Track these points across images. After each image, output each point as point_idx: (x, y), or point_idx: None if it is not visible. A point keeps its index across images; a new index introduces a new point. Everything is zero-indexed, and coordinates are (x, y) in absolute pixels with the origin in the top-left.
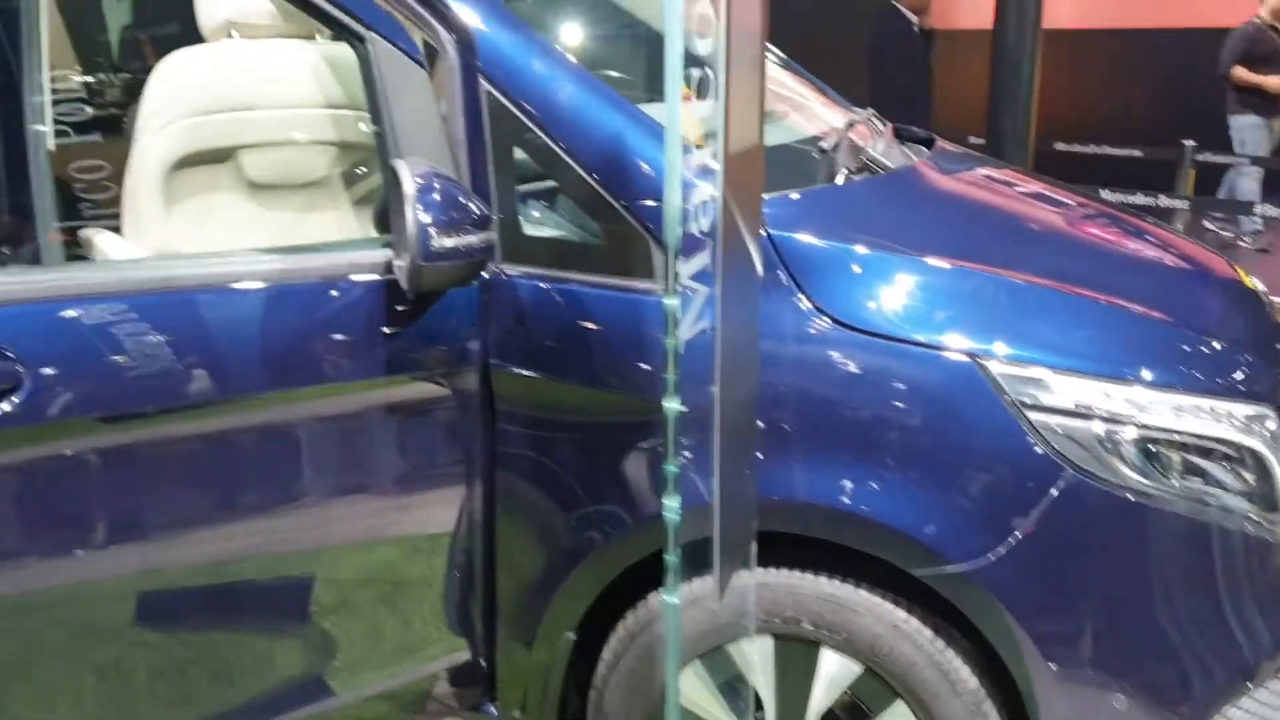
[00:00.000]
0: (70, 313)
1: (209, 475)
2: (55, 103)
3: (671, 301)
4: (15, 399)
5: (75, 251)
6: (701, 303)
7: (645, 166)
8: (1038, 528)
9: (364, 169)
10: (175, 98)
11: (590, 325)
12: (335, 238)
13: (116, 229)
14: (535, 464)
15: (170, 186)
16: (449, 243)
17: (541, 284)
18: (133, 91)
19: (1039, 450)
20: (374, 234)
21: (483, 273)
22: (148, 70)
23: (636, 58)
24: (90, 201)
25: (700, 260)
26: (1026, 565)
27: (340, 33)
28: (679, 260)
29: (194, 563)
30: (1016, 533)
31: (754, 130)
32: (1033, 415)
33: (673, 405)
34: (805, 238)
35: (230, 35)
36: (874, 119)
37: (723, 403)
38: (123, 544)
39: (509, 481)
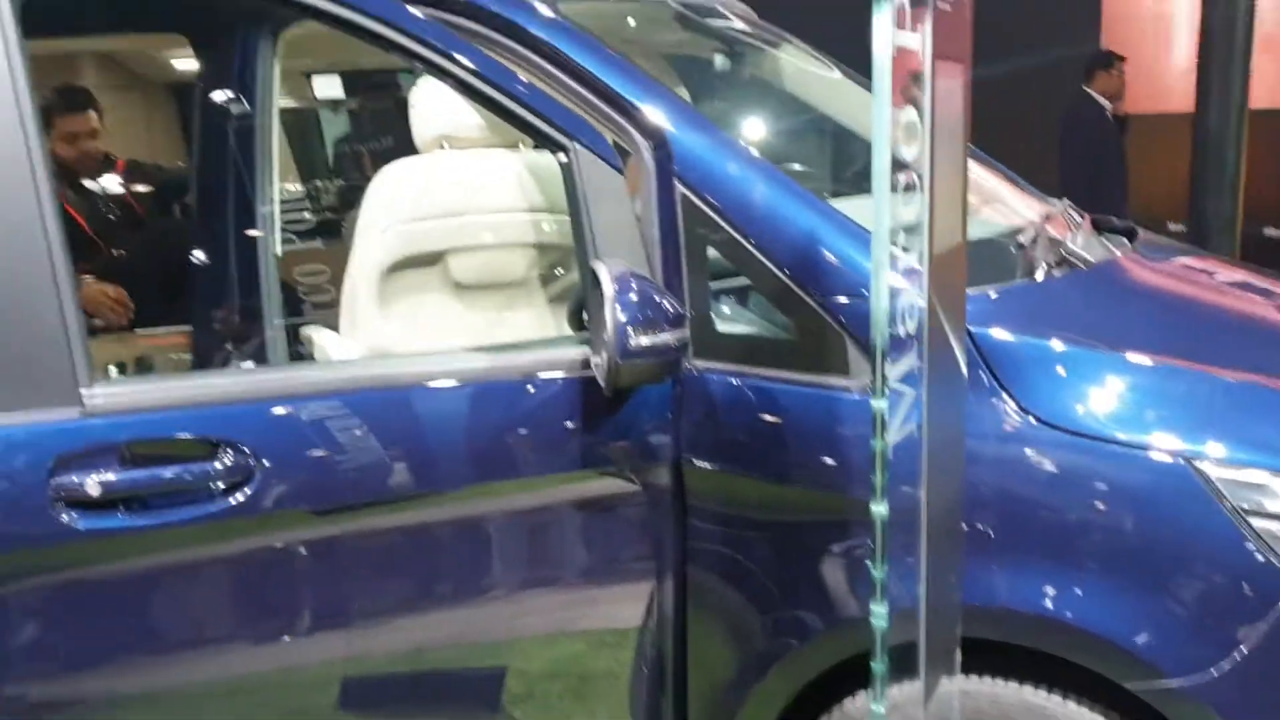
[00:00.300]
0: (295, 409)
1: (411, 566)
2: (281, 211)
3: (880, 403)
4: (247, 490)
5: (295, 348)
6: (909, 404)
7: (838, 262)
8: (1266, 642)
9: (559, 269)
10: (393, 205)
11: (783, 422)
12: (532, 335)
13: (334, 327)
14: (728, 561)
15: (385, 287)
16: (645, 341)
17: (734, 380)
18: (346, 199)
19: (1262, 558)
20: (568, 331)
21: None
22: (361, 179)
23: (819, 150)
24: (311, 302)
25: (907, 362)
26: (1254, 682)
27: (543, 142)
28: (886, 361)
29: (393, 650)
30: (1242, 647)
31: (957, 230)
32: (1255, 522)
33: (881, 509)
34: (1006, 335)
35: (442, 147)
36: (1070, 210)
37: (929, 505)
38: (330, 631)
39: (701, 578)
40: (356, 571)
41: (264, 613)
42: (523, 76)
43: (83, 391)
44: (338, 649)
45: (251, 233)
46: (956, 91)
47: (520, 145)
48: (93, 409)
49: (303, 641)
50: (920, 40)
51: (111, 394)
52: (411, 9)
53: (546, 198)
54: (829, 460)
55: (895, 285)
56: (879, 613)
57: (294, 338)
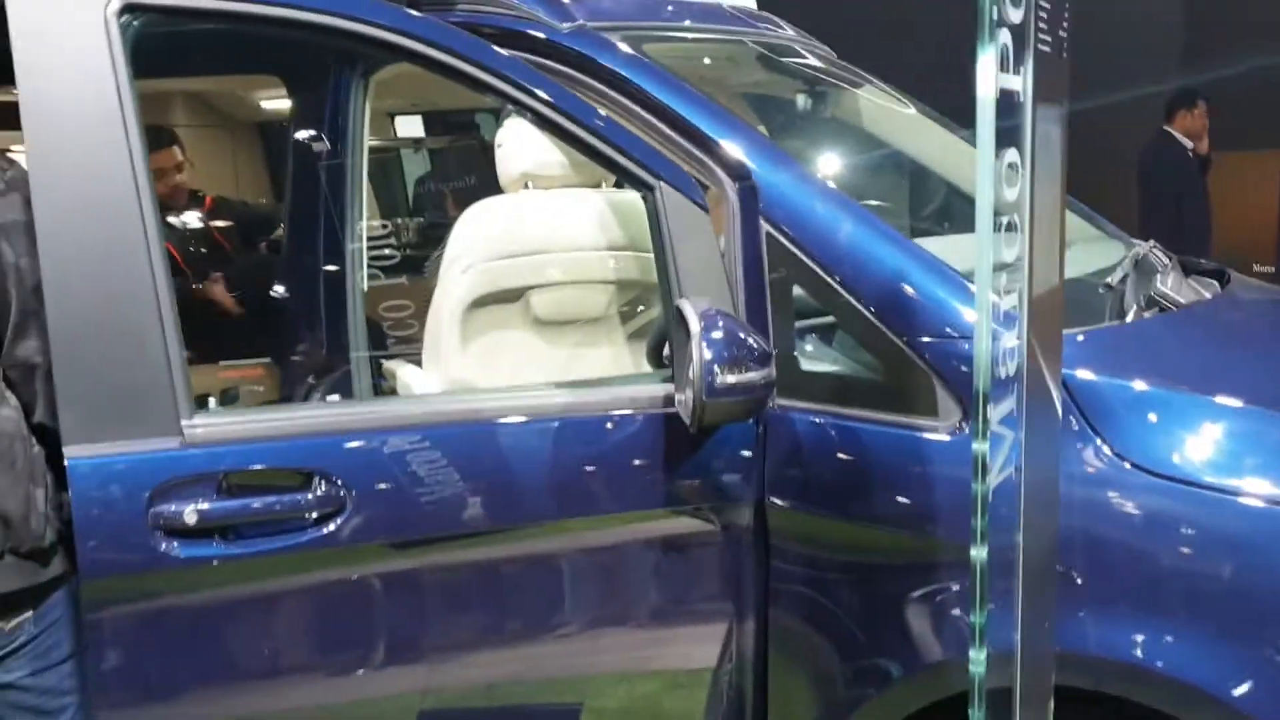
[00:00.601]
0: (386, 442)
1: (491, 600)
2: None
3: (981, 446)
4: (339, 520)
5: (378, 381)
6: (1008, 447)
7: (926, 302)
8: None
9: (638, 306)
10: (477, 243)
11: (869, 462)
12: (610, 372)
13: (416, 361)
14: (810, 603)
15: (467, 323)
16: (731, 379)
17: (819, 419)
18: (427, 236)
19: None
20: (647, 368)
21: None
22: (442, 217)
23: (899, 189)
24: (395, 337)
25: (1006, 404)
26: None
27: (631, 182)
28: (988, 405)
29: (469, 685)
30: None
31: (1055, 272)
32: None
33: (980, 553)
34: (1097, 378)
35: (526, 186)
36: (1157, 250)
37: (1025, 549)
38: (409, 664)
39: (783, 619)
40: (437, 604)
41: (347, 643)
42: (609, 116)
43: (183, 423)
44: (416, 682)
45: (339, 268)
46: (1055, 132)
47: (602, 184)
48: (192, 439)
49: (383, 673)
50: (1021, 81)
51: (210, 425)
52: (499, 50)
53: (626, 236)
54: (915, 502)
55: (995, 327)
56: (977, 659)
57: (377, 372)
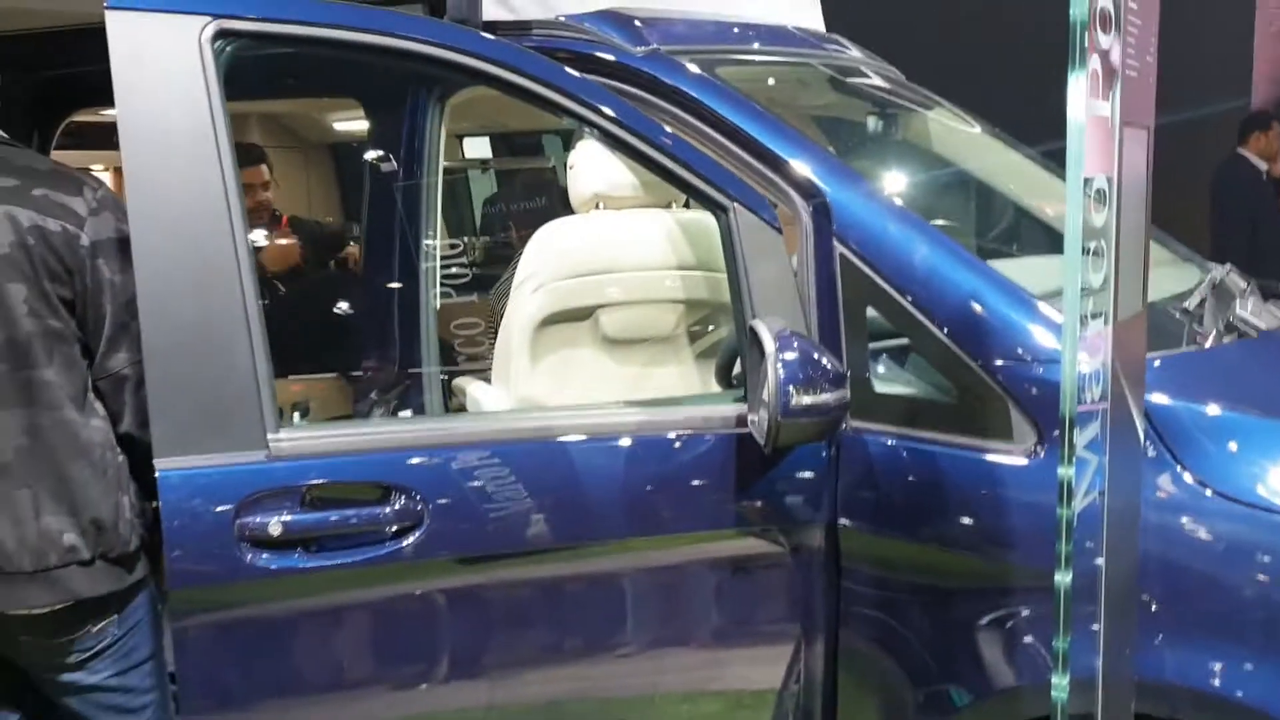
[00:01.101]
0: (464, 458)
1: (561, 616)
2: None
3: (1067, 470)
4: (416, 535)
5: (449, 399)
6: (1092, 472)
7: (1001, 325)
8: None
9: (706, 326)
10: (548, 263)
11: (942, 485)
12: (678, 391)
13: (486, 378)
14: (882, 625)
15: (536, 341)
16: (806, 400)
17: (892, 442)
18: (495, 256)
19: None
20: (714, 388)
21: None
22: (506, 237)
23: (970, 212)
24: (464, 354)
25: (1091, 429)
26: None
27: (705, 203)
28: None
29: (532, 701)
30: None
31: (1139, 298)
32: None
33: (1065, 578)
34: (1175, 404)
35: (598, 206)
36: (1234, 274)
37: (1107, 575)
38: (476, 678)
39: (853, 642)
40: (507, 620)
41: (418, 656)
42: (683, 138)
43: (269, 436)
44: (482, 697)
45: (414, 286)
46: (1141, 157)
47: (672, 205)
48: (278, 453)
49: (451, 688)
50: (1110, 106)
51: (295, 439)
52: (575, 73)
53: (695, 256)
54: (989, 526)
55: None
56: (1060, 684)
57: (448, 388)
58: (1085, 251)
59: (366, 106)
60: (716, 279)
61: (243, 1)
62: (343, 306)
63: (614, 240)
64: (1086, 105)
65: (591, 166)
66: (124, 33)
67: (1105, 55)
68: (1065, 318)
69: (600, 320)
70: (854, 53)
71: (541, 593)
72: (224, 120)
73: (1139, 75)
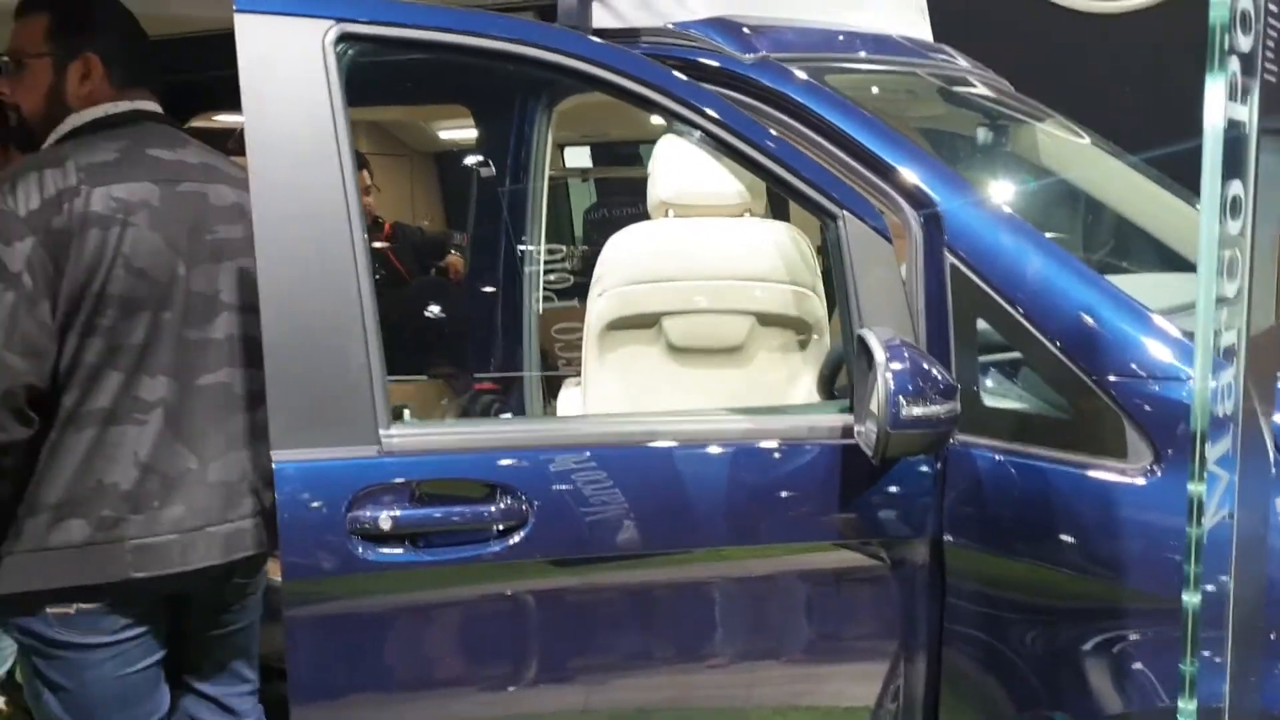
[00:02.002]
0: (568, 459)
1: (660, 622)
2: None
3: (1197, 488)
4: (521, 534)
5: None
6: (1221, 490)
7: (1117, 340)
8: None
9: (774, 337)
10: (614, 268)
11: (1053, 503)
12: (743, 403)
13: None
14: (986, 646)
15: (603, 345)
16: (917, 411)
17: (1000, 457)
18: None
19: None
20: (779, 401)
21: None
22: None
23: (1079, 226)
24: (563, 358)
25: (1221, 445)
26: None
27: (814, 210)
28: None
29: (628, 706)
30: None
31: (1272, 310)
32: None
33: (1193, 599)
34: None
35: (667, 214)
36: None
37: (1235, 599)
38: (574, 680)
39: (956, 661)
40: (605, 624)
41: (516, 656)
42: (794, 145)
43: (381, 432)
44: (576, 700)
45: (518, 291)
46: (1278, 165)
47: (745, 215)
48: (389, 449)
49: (545, 689)
50: (1247, 112)
51: (406, 435)
52: (682, 77)
53: (763, 267)
54: (1101, 546)
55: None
56: (1187, 709)
57: (548, 392)
58: (1219, 261)
59: (476, 113)
60: (784, 290)
61: (364, 6)
62: (445, 311)
63: (679, 248)
64: (1225, 109)
65: (662, 172)
66: (252, 35)
67: (1245, 58)
68: (1198, 329)
69: (665, 327)
70: (962, 63)
71: (639, 599)
72: (345, 123)
73: (1278, 79)
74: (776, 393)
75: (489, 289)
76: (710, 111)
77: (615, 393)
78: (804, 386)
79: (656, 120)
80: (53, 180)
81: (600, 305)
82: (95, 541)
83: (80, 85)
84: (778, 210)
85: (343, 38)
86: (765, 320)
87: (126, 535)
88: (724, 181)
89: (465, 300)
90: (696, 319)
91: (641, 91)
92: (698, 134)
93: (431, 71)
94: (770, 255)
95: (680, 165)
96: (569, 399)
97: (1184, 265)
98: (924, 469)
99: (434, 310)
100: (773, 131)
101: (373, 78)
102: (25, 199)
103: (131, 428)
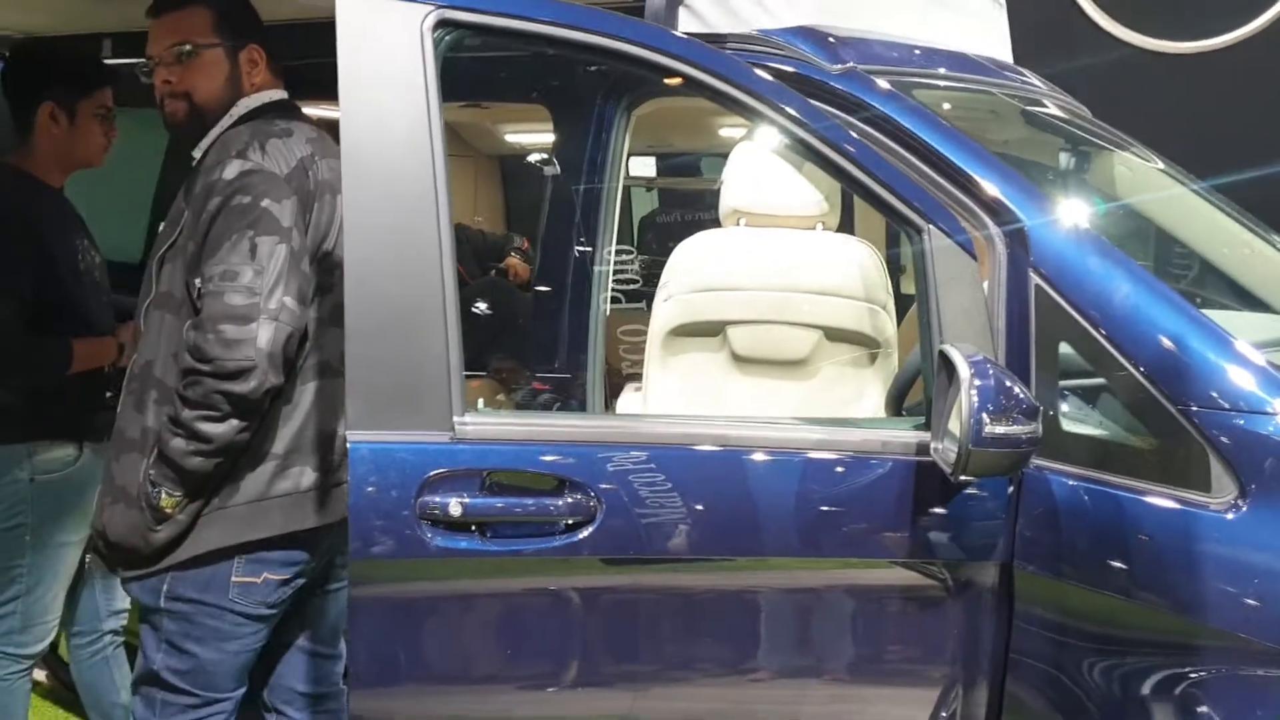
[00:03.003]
0: (639, 458)
1: (720, 628)
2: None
3: None
4: (589, 530)
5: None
6: None
7: (1206, 371)
8: None
9: (840, 351)
10: (682, 274)
11: (1131, 533)
12: (805, 413)
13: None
14: (1052, 677)
15: (667, 349)
16: (999, 430)
17: (1078, 483)
18: (651, 270)
19: None
20: (842, 413)
21: None
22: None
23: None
24: (629, 360)
25: None
26: None
27: (900, 223)
28: None
29: (676, 713)
30: None
31: None
32: None
33: None
34: None
35: (739, 222)
36: None
37: None
38: (625, 682)
39: (1019, 690)
40: (666, 626)
41: (573, 652)
42: (881, 156)
43: (455, 419)
44: (624, 703)
45: (585, 291)
46: None
47: (817, 227)
48: (462, 435)
49: (597, 688)
50: None
51: (479, 423)
52: (781, 84)
53: (833, 280)
54: (1180, 581)
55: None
56: None
57: (612, 392)
58: None
59: (555, 114)
60: (858, 306)
61: None
62: (505, 310)
63: (747, 257)
64: None
65: (736, 180)
66: (351, 15)
67: None
68: None
69: (729, 335)
70: (1041, 86)
71: (701, 603)
72: (439, 110)
73: None
74: (840, 408)
75: (558, 288)
76: (802, 117)
77: (676, 398)
78: (869, 404)
79: (725, 133)
80: (294, 147)
81: (666, 310)
82: (322, 486)
83: (252, 72)
84: (842, 225)
85: (441, 23)
86: (832, 335)
87: (343, 479)
88: (798, 192)
89: (529, 300)
90: (761, 329)
91: (738, 95)
92: (787, 139)
93: (516, 69)
94: (842, 269)
95: (755, 174)
96: (629, 403)
97: (1257, 303)
98: (999, 491)
99: (493, 310)
100: (864, 141)
101: (458, 73)
102: (280, 161)
103: (343, 381)
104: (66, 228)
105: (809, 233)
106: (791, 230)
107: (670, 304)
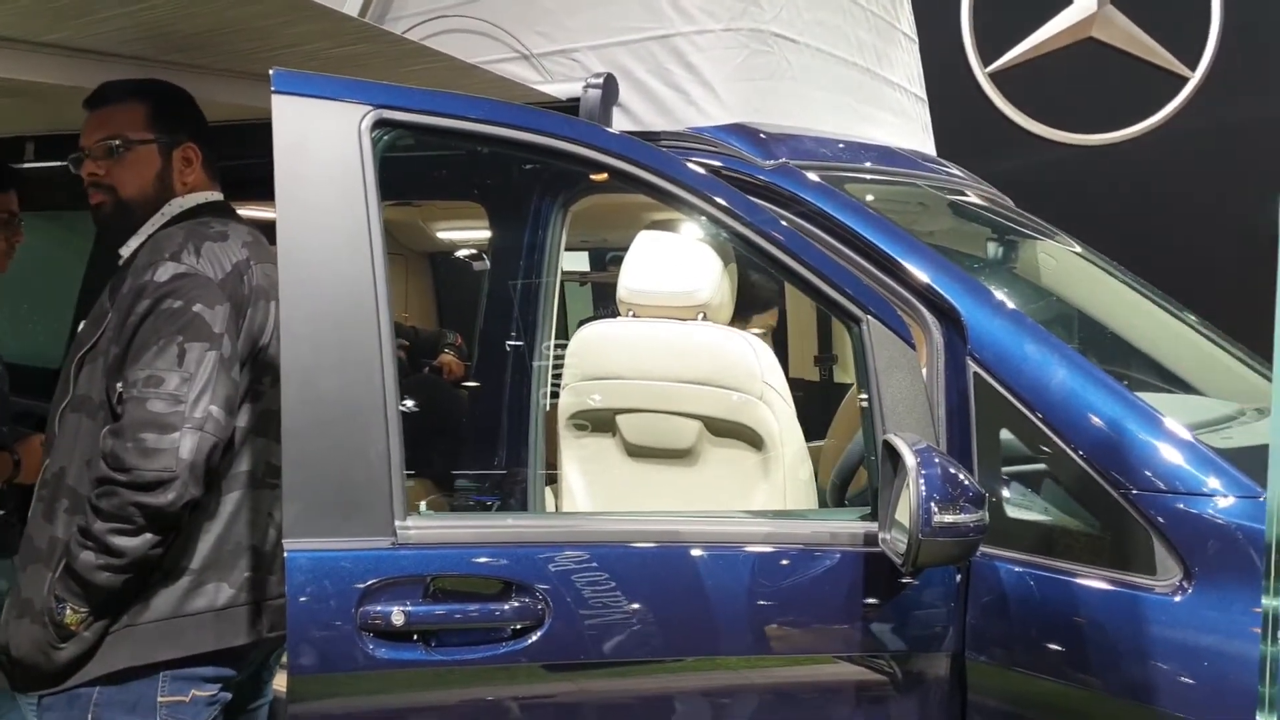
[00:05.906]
0: (586, 557)
1: None
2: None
3: (1272, 602)
4: (537, 634)
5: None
6: None
7: (1146, 455)
8: None
9: (726, 444)
10: (574, 363)
11: (1080, 620)
12: (696, 505)
13: None
14: None
15: (567, 438)
16: (949, 519)
17: (1025, 570)
18: None
19: None
20: (733, 506)
21: None
22: None
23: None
24: None
25: None
26: None
27: (838, 314)
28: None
29: None
30: None
31: None
32: None
33: None
34: None
35: (629, 313)
36: None
37: None
38: None
39: None
40: None
41: None
42: (818, 249)
43: (397, 523)
44: None
45: (527, 388)
46: None
47: (699, 317)
48: (405, 540)
49: None
50: None
51: (422, 526)
52: (721, 181)
53: (714, 371)
54: (1131, 665)
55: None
56: None
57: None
58: None
59: (491, 211)
60: (731, 396)
61: (402, 93)
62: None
63: (631, 347)
64: None
65: (626, 272)
66: (288, 116)
67: None
68: (1272, 441)
69: (619, 425)
70: (964, 177)
71: (654, 705)
72: (378, 209)
73: None
74: (728, 500)
75: (496, 385)
76: (738, 211)
77: (579, 487)
78: (760, 496)
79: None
80: (229, 251)
81: (564, 399)
82: (242, 603)
83: (185, 171)
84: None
85: (379, 123)
86: (712, 425)
87: (267, 595)
88: (680, 282)
89: (463, 398)
90: (649, 419)
91: (674, 190)
92: (724, 233)
93: (453, 166)
94: (716, 360)
95: (641, 264)
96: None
97: (1180, 384)
98: (947, 580)
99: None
100: (796, 233)
101: (394, 172)
102: (214, 266)
103: (267, 491)
104: None
105: (690, 323)
106: (674, 321)
107: (566, 392)
